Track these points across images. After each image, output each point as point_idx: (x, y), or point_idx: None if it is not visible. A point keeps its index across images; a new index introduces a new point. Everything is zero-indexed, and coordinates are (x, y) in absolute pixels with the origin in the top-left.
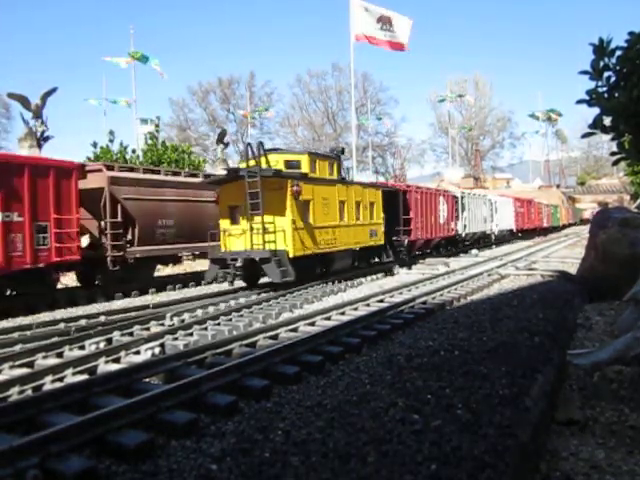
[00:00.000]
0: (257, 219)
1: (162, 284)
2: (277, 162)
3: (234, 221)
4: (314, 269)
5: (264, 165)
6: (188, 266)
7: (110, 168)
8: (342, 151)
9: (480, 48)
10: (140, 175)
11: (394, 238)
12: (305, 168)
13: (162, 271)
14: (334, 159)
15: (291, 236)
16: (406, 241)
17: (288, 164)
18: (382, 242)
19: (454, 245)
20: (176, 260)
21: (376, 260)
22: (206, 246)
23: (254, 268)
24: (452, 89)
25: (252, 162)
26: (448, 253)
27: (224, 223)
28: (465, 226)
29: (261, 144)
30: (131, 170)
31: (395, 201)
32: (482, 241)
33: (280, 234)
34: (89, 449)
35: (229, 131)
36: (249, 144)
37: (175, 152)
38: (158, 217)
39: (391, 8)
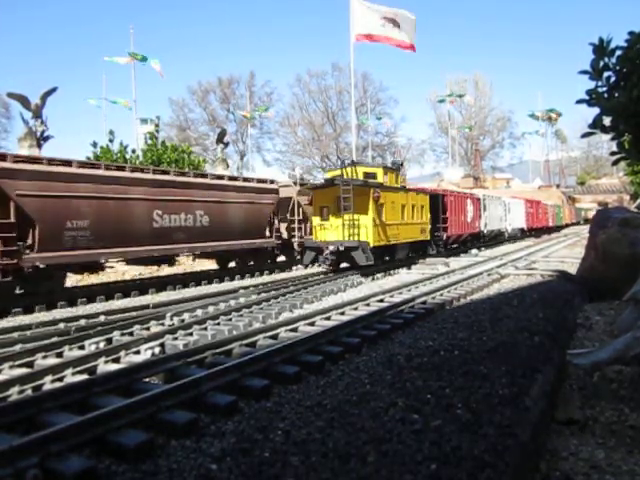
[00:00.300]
0: (347, 217)
1: (162, 284)
2: (358, 173)
3: (324, 218)
4: (384, 256)
5: (349, 175)
6: (188, 266)
7: (2, 158)
8: (402, 164)
9: (480, 48)
10: (42, 167)
11: (435, 234)
12: (380, 178)
13: (161, 271)
14: (397, 171)
15: (371, 230)
16: (444, 236)
17: (367, 175)
18: (428, 238)
19: (477, 240)
20: (96, 268)
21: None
22: (137, 250)
23: (339, 255)
24: (452, 89)
25: (333, 172)
26: (473, 246)
27: (316, 219)
28: (486, 224)
29: (353, 162)
30: (32, 162)
31: (436, 203)
32: (498, 238)
33: (363, 229)
34: (89, 449)
35: (229, 131)
36: (342, 160)
37: (175, 152)
38: (67, 218)
39: (393, 6)
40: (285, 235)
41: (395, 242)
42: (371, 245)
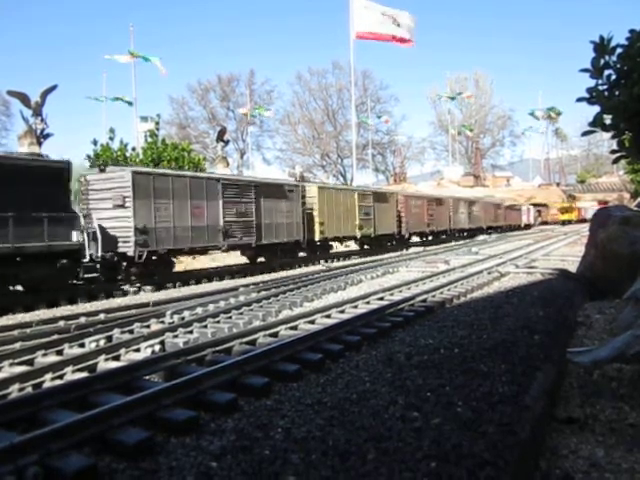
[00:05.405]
0: (569, 213)
1: (162, 282)
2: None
3: (562, 214)
4: (578, 221)
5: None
6: (189, 264)
7: None
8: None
9: (481, 46)
10: None
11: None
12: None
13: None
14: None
15: (573, 217)
16: (580, 218)
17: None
18: (576, 218)
19: (583, 221)
20: None
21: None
22: None
23: (564, 222)
24: (452, 87)
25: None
26: (578, 223)
27: (561, 214)
28: (586, 214)
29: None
30: None
31: (577, 208)
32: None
33: (573, 216)
34: (89, 447)
35: (229, 129)
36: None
37: (175, 150)
38: None
39: (393, 5)
40: None
41: (578, 218)
42: (574, 219)
